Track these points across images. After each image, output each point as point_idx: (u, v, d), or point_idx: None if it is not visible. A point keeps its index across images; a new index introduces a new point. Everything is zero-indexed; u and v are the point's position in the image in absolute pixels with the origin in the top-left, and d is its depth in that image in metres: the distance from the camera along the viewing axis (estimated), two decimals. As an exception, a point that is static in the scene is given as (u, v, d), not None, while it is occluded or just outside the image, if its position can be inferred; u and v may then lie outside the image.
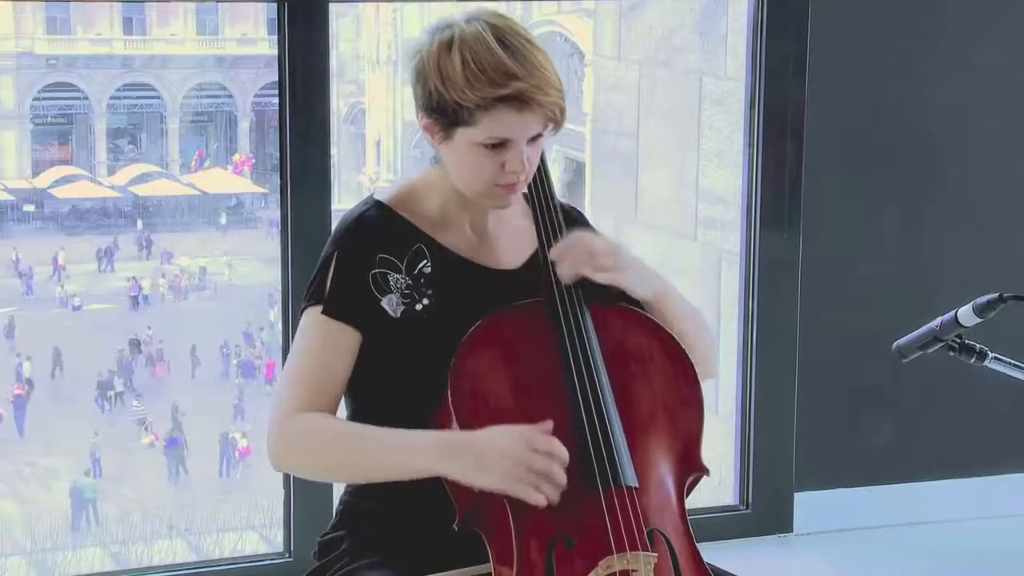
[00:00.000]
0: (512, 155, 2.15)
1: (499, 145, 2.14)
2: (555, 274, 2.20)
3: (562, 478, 2.02)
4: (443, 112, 2.14)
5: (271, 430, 2.17)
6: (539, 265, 2.23)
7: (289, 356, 2.23)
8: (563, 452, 2.03)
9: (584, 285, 2.21)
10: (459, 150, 2.16)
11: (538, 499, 2.01)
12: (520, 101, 2.10)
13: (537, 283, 2.22)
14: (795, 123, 3.95)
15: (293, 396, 2.17)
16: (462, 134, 2.14)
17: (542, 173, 2.25)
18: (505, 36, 2.13)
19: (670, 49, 5.01)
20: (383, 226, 2.22)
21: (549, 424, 2.04)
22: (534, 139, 2.17)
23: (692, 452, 2.19)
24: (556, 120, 2.16)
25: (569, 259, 2.20)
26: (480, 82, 2.10)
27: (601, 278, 2.20)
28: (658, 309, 2.27)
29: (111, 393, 7.71)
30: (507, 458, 2.00)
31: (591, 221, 2.39)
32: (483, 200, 2.22)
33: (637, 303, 2.27)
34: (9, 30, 7.76)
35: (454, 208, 2.26)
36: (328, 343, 2.19)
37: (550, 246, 2.22)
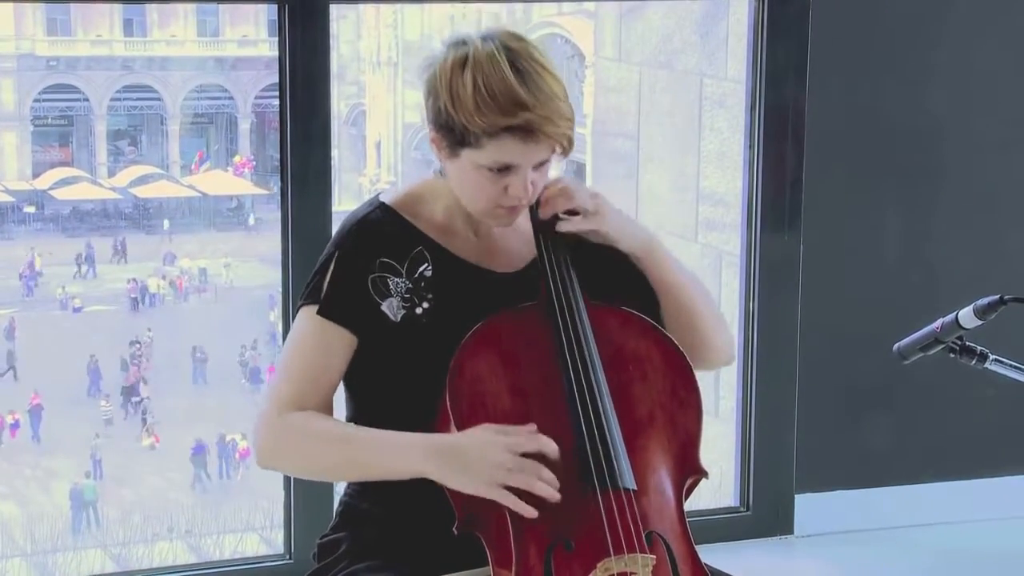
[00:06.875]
0: (516, 180, 2.14)
1: (504, 169, 2.14)
2: (552, 273, 2.19)
3: (550, 475, 2.02)
4: (450, 130, 2.14)
5: (258, 426, 2.18)
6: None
7: (282, 353, 2.24)
8: (549, 446, 2.02)
9: (582, 283, 2.20)
10: (463, 169, 2.16)
11: (525, 510, 2.01)
12: (527, 132, 2.10)
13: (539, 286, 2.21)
14: (795, 124, 3.96)
15: (283, 394, 2.17)
16: (467, 155, 2.14)
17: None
18: (519, 60, 2.12)
19: (670, 51, 5.01)
20: (385, 229, 2.23)
21: (532, 427, 2.05)
22: (540, 164, 2.16)
23: (690, 454, 2.19)
24: (564, 148, 2.15)
25: (549, 200, 2.20)
26: (489, 108, 2.09)
27: (581, 224, 2.20)
28: (650, 265, 2.27)
29: (112, 395, 7.70)
30: (491, 465, 2.01)
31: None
32: (485, 219, 2.23)
33: (632, 294, 2.26)
34: (10, 32, 7.74)
35: (459, 214, 2.26)
36: (321, 343, 2.19)
37: (546, 250, 2.21)
